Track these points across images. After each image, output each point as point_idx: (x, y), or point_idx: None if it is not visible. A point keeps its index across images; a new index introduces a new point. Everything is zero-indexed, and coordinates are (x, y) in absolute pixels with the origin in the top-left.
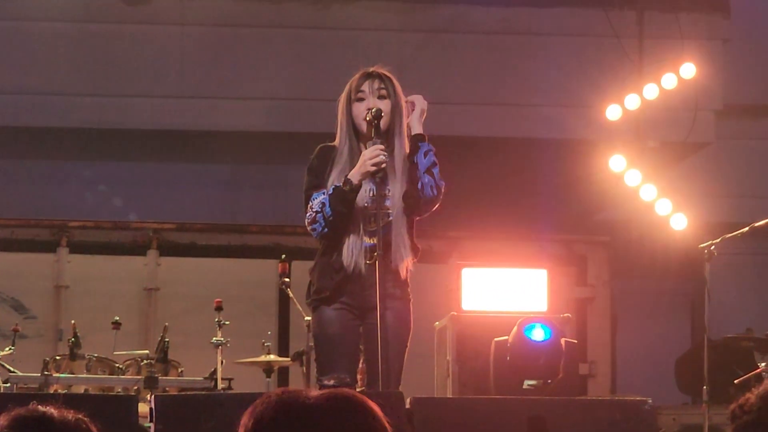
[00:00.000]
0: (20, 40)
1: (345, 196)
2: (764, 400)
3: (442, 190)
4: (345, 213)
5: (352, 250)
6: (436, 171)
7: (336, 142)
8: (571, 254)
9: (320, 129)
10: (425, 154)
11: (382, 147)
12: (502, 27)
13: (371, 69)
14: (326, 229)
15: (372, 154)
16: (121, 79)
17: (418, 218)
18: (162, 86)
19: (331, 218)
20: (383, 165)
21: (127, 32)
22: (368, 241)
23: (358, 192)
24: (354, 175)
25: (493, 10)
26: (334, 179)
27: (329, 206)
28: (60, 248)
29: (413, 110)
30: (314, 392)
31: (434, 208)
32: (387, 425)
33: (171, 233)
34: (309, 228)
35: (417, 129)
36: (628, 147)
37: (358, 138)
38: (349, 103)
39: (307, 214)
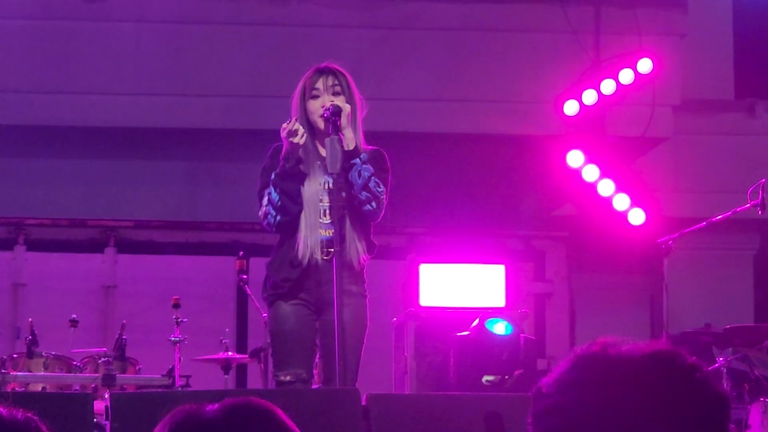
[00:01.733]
0: None
1: (285, 171)
2: (560, 384)
3: (382, 199)
4: (289, 189)
5: (307, 242)
6: (372, 185)
7: None
8: (529, 250)
9: (278, 125)
10: (359, 174)
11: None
12: (459, 23)
13: (323, 65)
14: (278, 216)
15: (285, 127)
16: (77, 76)
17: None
18: (119, 83)
19: (279, 202)
20: (298, 134)
21: (84, 29)
22: (323, 233)
23: (296, 165)
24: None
25: (450, 6)
26: None
27: (274, 190)
28: (17, 246)
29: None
30: (213, 406)
31: (381, 215)
32: None
33: (128, 230)
34: (264, 224)
35: (348, 143)
36: (585, 142)
37: (313, 135)
38: (303, 100)
39: (260, 212)
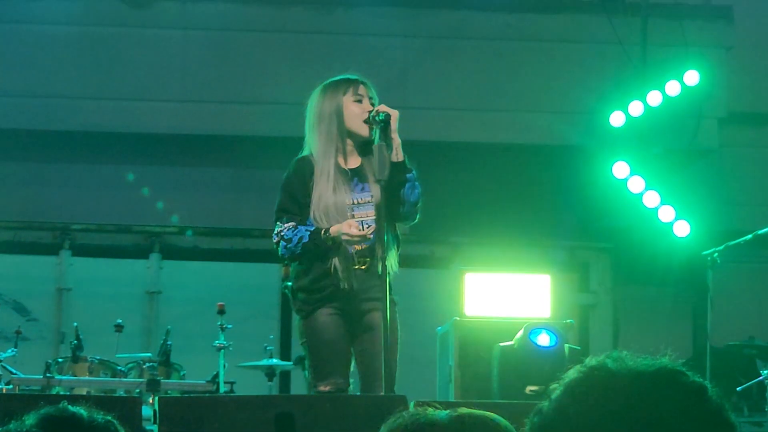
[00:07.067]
0: (23, 42)
1: (323, 244)
2: (565, 391)
3: (419, 208)
4: (313, 255)
5: (337, 255)
6: (419, 203)
7: (307, 151)
8: (573, 260)
9: None
10: (411, 188)
11: (360, 231)
12: (506, 33)
13: (354, 75)
14: (286, 258)
15: (352, 231)
16: (123, 83)
17: None
18: (164, 90)
19: (297, 253)
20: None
21: (130, 36)
22: (356, 248)
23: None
24: (335, 235)
25: (496, 16)
26: (320, 194)
27: (300, 244)
28: (62, 251)
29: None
30: (442, 412)
31: None
32: None
33: (173, 236)
34: (275, 246)
35: (399, 154)
36: (631, 153)
37: (344, 142)
38: (341, 103)
39: (275, 233)
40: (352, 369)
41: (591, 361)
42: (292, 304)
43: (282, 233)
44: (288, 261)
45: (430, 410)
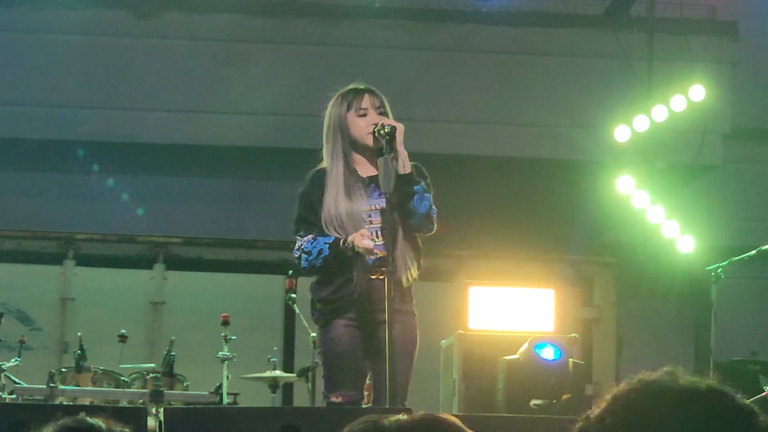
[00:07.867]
0: (30, 52)
1: (343, 254)
2: (619, 403)
3: (435, 219)
4: (333, 265)
5: (355, 264)
6: (433, 212)
7: (325, 163)
8: (577, 275)
9: None
10: (419, 200)
11: (370, 243)
12: (511, 46)
13: (363, 85)
14: (308, 271)
15: (362, 244)
16: (129, 93)
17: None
18: (170, 100)
19: (318, 266)
20: (373, 249)
21: (136, 46)
22: (376, 254)
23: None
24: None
25: (501, 29)
26: (329, 205)
27: (321, 257)
28: (66, 260)
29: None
30: (396, 417)
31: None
32: None
33: (178, 247)
34: (296, 260)
35: (406, 166)
36: (636, 168)
37: (351, 154)
38: (345, 117)
39: (296, 246)
40: (368, 381)
41: (642, 375)
42: (311, 314)
43: (302, 247)
44: (309, 274)
45: (397, 417)
